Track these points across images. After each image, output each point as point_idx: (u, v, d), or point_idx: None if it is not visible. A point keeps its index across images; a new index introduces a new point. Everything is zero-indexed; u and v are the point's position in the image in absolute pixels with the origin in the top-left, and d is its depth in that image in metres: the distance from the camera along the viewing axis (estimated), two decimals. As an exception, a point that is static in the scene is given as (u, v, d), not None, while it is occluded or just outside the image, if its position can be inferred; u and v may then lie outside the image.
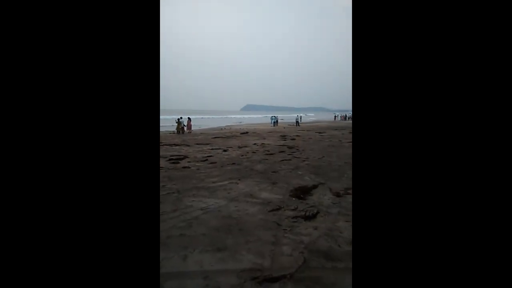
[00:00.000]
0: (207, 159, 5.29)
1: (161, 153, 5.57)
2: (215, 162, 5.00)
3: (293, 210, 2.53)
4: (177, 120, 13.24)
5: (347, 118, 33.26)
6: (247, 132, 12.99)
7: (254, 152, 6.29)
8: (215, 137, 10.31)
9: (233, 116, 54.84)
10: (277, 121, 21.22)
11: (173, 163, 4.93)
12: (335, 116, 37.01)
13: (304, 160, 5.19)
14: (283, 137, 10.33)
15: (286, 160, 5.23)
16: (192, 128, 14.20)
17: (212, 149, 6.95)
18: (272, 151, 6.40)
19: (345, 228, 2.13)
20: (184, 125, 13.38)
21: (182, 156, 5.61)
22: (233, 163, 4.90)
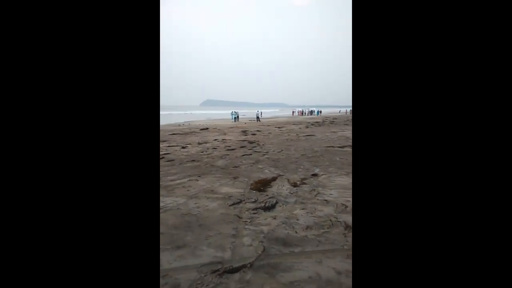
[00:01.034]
0: (163, 157, 5.03)
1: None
2: (172, 160, 4.78)
3: (253, 202, 2.60)
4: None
5: (304, 114, 35.06)
6: (207, 128, 12.70)
7: (215, 148, 6.21)
8: (172, 134, 9.83)
9: (192, 111, 52.89)
10: (238, 116, 21.22)
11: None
12: (293, 112, 38.68)
13: (264, 154, 5.32)
14: (244, 132, 10.40)
15: (247, 155, 5.30)
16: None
17: (169, 146, 6.62)
18: (233, 147, 6.40)
19: (301, 215, 2.27)
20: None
21: (136, 155, 5.22)
22: (193, 160, 4.76)
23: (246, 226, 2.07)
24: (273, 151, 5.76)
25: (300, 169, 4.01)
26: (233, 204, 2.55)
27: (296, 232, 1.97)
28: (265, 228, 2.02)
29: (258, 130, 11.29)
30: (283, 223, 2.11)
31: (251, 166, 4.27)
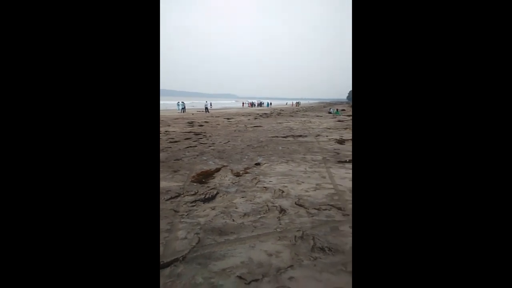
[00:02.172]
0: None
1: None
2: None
3: (193, 195, 2.52)
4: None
5: (254, 105, 35.64)
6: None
7: (156, 141, 5.79)
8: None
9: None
10: (184, 107, 20.19)
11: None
12: (243, 103, 38.89)
13: (210, 146, 5.22)
14: (191, 123, 9.98)
15: (191, 147, 5.10)
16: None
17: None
18: (177, 139, 6.08)
19: (241, 203, 2.32)
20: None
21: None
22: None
23: (183, 220, 2.00)
24: (220, 142, 5.70)
25: (244, 159, 4.07)
26: (170, 198, 2.43)
27: (233, 220, 2.00)
28: (202, 220, 1.99)
29: (205, 121, 10.99)
30: (221, 213, 2.11)
31: (194, 158, 4.13)
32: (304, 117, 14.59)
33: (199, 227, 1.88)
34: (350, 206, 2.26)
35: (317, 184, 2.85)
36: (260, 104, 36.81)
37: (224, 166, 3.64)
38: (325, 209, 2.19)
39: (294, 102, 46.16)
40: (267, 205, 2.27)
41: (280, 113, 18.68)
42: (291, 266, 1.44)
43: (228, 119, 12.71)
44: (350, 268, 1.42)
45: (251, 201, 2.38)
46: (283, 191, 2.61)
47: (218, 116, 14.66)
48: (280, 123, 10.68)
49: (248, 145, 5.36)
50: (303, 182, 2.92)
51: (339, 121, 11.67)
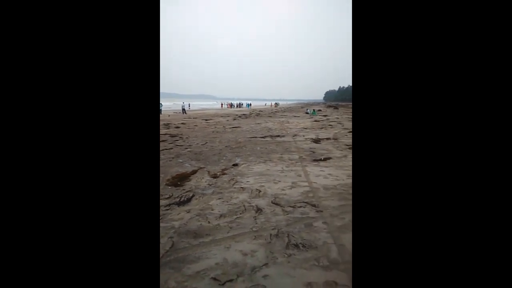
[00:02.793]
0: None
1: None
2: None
3: (167, 198, 2.45)
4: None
5: (232, 106, 35.49)
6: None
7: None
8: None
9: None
10: (160, 109, 19.53)
11: None
12: (222, 104, 38.57)
13: (186, 148, 5.10)
14: (167, 125, 9.69)
15: (166, 149, 4.95)
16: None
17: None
18: (151, 141, 5.86)
19: (217, 205, 2.29)
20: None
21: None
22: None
23: (156, 224, 1.93)
24: (197, 144, 5.60)
25: (222, 160, 4.04)
26: (143, 202, 2.34)
27: (209, 222, 1.97)
28: (176, 223, 1.94)
29: (182, 123, 10.73)
30: (197, 215, 2.08)
31: (170, 161, 4.01)
32: (282, 117, 14.82)
33: (173, 230, 1.83)
34: (324, 202, 2.35)
35: (293, 183, 2.91)
36: (240, 105, 36.74)
37: (201, 168, 3.58)
38: (300, 207, 2.24)
39: (273, 103, 46.73)
40: (244, 205, 2.27)
41: (259, 113, 18.80)
42: (265, 264, 1.45)
43: (206, 120, 12.53)
44: (322, 263, 1.47)
45: (227, 202, 2.37)
46: (260, 191, 2.63)
47: (196, 118, 14.40)
48: (258, 123, 10.74)
49: (226, 146, 5.33)
50: (280, 181, 2.96)
51: (315, 121, 12.03)
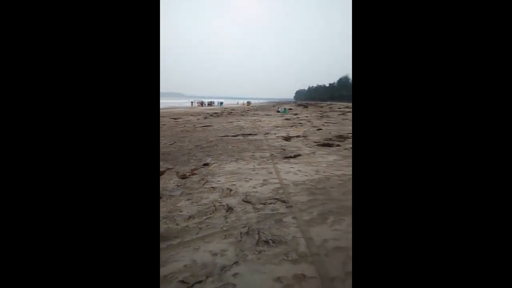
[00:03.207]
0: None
1: None
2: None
3: (131, 201, 2.30)
4: None
5: (203, 104, 34.74)
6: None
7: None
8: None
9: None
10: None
11: None
12: (192, 102, 37.52)
13: (153, 148, 4.85)
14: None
15: (132, 149, 4.66)
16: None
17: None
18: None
19: (185, 206, 2.22)
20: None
21: None
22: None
23: (118, 230, 1.81)
24: (164, 144, 5.36)
25: (192, 160, 3.93)
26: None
27: (177, 224, 1.90)
28: (141, 227, 1.84)
29: (150, 122, 10.18)
30: (163, 218, 1.99)
31: (135, 161, 3.78)
32: (254, 116, 14.91)
33: (137, 235, 1.73)
34: (293, 198, 2.41)
35: (264, 180, 2.94)
36: (211, 104, 36.11)
37: (168, 168, 3.43)
38: (271, 203, 2.28)
39: (245, 101, 46.77)
40: (214, 205, 2.23)
41: (231, 112, 18.66)
42: (236, 263, 1.44)
43: (174, 119, 12.06)
44: (291, 257, 1.51)
45: (197, 202, 2.30)
46: (231, 190, 2.61)
47: (164, 116, 13.78)
48: (230, 122, 10.66)
49: (196, 145, 5.19)
50: (251, 179, 2.97)
51: (286, 119, 12.31)
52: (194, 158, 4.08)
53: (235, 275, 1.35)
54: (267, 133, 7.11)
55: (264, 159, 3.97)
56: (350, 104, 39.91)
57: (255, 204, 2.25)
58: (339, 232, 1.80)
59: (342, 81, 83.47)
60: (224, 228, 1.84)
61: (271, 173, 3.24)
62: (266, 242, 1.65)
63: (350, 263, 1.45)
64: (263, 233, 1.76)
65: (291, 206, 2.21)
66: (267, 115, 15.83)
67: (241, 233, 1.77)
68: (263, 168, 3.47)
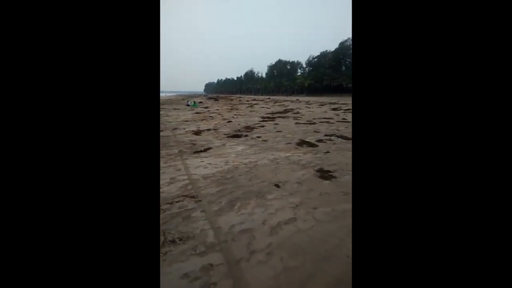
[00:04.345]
0: None
1: None
2: None
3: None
4: None
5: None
6: None
7: None
8: None
9: None
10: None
11: None
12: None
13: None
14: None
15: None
16: None
17: None
18: None
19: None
20: None
21: None
22: None
23: None
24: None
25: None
26: None
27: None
28: None
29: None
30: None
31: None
32: (161, 111, 13.71)
33: None
34: (202, 191, 2.40)
35: (171, 178, 2.78)
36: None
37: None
38: (178, 201, 2.19)
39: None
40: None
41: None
42: (137, 273, 1.31)
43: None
44: (199, 250, 1.51)
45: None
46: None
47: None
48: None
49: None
50: (156, 179, 2.74)
51: (196, 113, 12.00)
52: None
53: (136, 286, 1.23)
54: (175, 129, 6.72)
55: (171, 156, 3.75)
56: (256, 97, 42.91)
57: (161, 205, 2.10)
58: (244, 215, 1.94)
59: (248, 75, 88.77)
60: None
61: (179, 170, 3.10)
62: (173, 241, 1.59)
63: (254, 242, 1.60)
64: (169, 233, 1.68)
65: (200, 200, 2.20)
66: (175, 109, 14.91)
67: (143, 239, 1.62)
68: (170, 166, 3.27)
